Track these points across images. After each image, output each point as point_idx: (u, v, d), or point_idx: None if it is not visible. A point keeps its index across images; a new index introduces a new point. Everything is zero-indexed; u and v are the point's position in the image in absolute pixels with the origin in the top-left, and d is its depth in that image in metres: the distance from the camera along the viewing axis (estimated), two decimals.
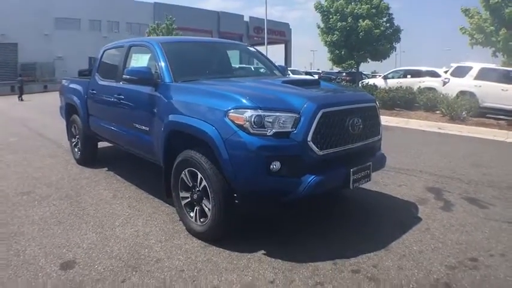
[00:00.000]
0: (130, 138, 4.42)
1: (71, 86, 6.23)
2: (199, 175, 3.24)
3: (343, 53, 14.94)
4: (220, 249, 3.19)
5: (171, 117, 3.51)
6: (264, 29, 33.27)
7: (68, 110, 6.27)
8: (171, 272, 2.85)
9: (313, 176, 2.97)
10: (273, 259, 3.03)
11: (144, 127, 4.04)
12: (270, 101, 3.11)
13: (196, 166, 3.24)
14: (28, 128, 10.36)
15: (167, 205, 4.18)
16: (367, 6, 14.03)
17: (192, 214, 3.45)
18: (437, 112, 12.28)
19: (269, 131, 2.92)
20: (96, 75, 5.34)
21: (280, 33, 55.63)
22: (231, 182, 3.05)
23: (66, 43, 36.97)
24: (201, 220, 3.35)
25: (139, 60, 4.53)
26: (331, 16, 14.64)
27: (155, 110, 3.81)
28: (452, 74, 14.06)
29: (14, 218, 3.93)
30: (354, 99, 3.77)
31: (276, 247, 3.22)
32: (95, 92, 5.20)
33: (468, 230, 3.68)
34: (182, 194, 3.52)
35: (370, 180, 3.55)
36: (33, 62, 35.51)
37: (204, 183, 3.21)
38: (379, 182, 5.02)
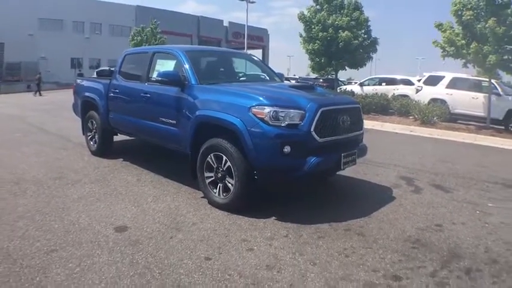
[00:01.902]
0: (157, 130, 5.11)
1: (89, 85, 6.87)
2: (224, 157, 4.07)
3: (323, 60, 15.81)
4: (241, 216, 4.02)
5: (199, 112, 4.32)
6: (242, 34, 33.96)
7: (85, 107, 6.87)
8: (207, 231, 3.66)
9: (314, 157, 3.86)
10: (284, 222, 3.90)
11: (171, 120, 4.79)
12: (282, 100, 4.02)
13: (222, 150, 4.08)
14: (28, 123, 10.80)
15: (187, 186, 4.96)
16: (347, 18, 15.00)
17: (215, 190, 4.27)
18: (410, 117, 13.37)
19: (283, 123, 3.80)
20: (117, 77, 6.05)
21: (258, 39, 56.49)
22: (252, 162, 3.89)
23: (50, 44, 36.99)
24: (224, 194, 4.17)
25: (164, 65, 5.26)
26: (313, 26, 15.52)
27: (183, 107, 4.58)
28: (425, 83, 15.13)
29: (55, 197, 4.53)
30: (343, 101, 4.79)
31: (283, 215, 4.06)
32: (117, 91, 5.90)
33: (434, 206, 4.62)
34: (207, 174, 4.33)
35: (355, 164, 4.51)
36: (18, 62, 35.43)
37: (228, 164, 4.04)
38: (360, 172, 5.96)
